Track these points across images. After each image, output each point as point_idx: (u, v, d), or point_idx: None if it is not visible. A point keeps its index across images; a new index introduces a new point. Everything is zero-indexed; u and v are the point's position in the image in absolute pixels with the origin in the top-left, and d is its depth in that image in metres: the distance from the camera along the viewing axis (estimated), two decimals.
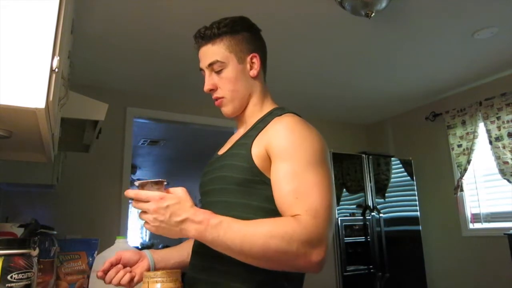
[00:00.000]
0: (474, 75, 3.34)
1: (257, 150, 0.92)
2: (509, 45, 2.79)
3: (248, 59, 1.03)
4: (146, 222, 0.81)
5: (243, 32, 1.03)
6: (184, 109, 3.65)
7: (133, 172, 6.96)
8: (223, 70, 1.00)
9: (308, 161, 0.86)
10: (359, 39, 2.64)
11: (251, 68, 1.03)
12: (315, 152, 0.87)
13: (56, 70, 0.87)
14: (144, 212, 0.81)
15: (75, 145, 2.20)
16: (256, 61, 1.03)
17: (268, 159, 0.90)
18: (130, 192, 0.82)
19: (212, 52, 1.01)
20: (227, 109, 1.04)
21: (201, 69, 1.06)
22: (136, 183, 0.84)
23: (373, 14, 2.07)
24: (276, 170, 0.88)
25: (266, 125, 0.95)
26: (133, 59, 2.85)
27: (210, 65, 1.01)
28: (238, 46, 1.01)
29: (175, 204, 0.80)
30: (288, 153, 0.87)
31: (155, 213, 0.79)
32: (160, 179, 0.84)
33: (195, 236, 0.80)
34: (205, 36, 1.02)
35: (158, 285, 0.84)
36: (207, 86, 1.03)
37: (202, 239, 0.81)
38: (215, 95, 1.03)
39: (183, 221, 0.79)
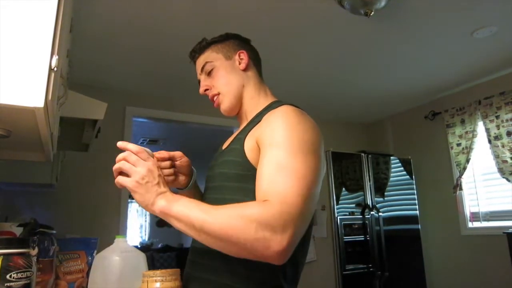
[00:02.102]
0: (473, 74, 3.34)
1: (249, 144, 0.92)
2: (508, 44, 2.79)
3: (236, 56, 1.09)
4: (128, 176, 0.82)
5: (231, 39, 1.12)
6: (183, 108, 3.64)
7: None
8: (213, 70, 1.08)
9: (293, 149, 0.82)
10: (358, 38, 2.64)
11: (240, 62, 1.08)
12: (304, 141, 0.84)
13: (55, 69, 0.87)
14: (122, 163, 0.84)
15: (74, 144, 2.20)
16: (244, 56, 1.09)
17: (259, 151, 0.89)
18: (131, 145, 0.85)
19: (202, 59, 1.10)
20: (224, 106, 1.07)
21: (199, 82, 1.12)
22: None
23: (372, 13, 2.07)
24: (261, 157, 0.86)
25: (262, 119, 0.95)
26: (133, 58, 2.85)
27: (202, 69, 1.09)
28: (225, 48, 1.10)
29: (163, 178, 0.85)
30: (275, 140, 0.85)
31: (148, 172, 0.82)
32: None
33: (163, 206, 0.80)
34: (196, 50, 1.12)
35: (158, 284, 0.84)
36: (201, 88, 1.10)
37: (167, 212, 0.79)
38: (211, 93, 1.08)
39: (161, 193, 0.81)
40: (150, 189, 0.81)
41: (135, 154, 0.84)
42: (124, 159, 0.84)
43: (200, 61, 1.11)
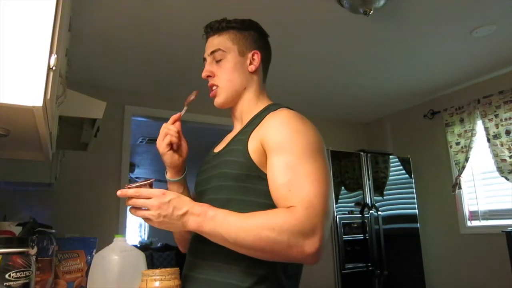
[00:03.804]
0: (472, 73, 3.34)
1: (253, 145, 0.93)
2: (507, 43, 2.80)
3: (250, 54, 1.05)
4: (148, 219, 0.84)
5: (251, 31, 1.07)
6: (182, 107, 3.64)
7: (132, 171, 6.95)
8: (223, 60, 1.04)
9: (302, 153, 0.86)
10: (358, 37, 2.64)
11: (251, 63, 1.05)
12: (309, 144, 0.88)
13: (54, 68, 0.86)
14: (138, 209, 0.84)
15: (73, 144, 2.20)
16: (257, 58, 1.06)
17: (264, 154, 0.91)
18: (129, 191, 0.84)
19: (217, 41, 1.06)
20: (219, 99, 1.06)
21: (204, 59, 1.08)
22: (127, 186, 0.86)
23: (372, 11, 2.07)
24: (271, 164, 0.88)
25: (261, 120, 0.96)
26: (132, 57, 2.84)
27: (212, 53, 1.05)
28: (242, 41, 1.05)
29: (176, 198, 0.83)
30: (282, 146, 0.87)
31: (159, 208, 0.81)
32: (149, 178, 0.89)
33: (194, 228, 0.82)
34: (214, 28, 1.07)
35: (157, 283, 0.84)
36: (204, 73, 1.07)
37: (200, 230, 0.82)
38: (211, 81, 1.06)
39: (184, 214, 0.82)
40: (172, 218, 0.82)
41: (138, 198, 0.83)
42: (135, 207, 0.84)
43: (214, 43, 1.06)
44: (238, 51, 1.04)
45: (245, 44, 1.05)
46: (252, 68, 1.05)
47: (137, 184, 0.86)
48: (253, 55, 1.05)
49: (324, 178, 0.85)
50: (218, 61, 1.04)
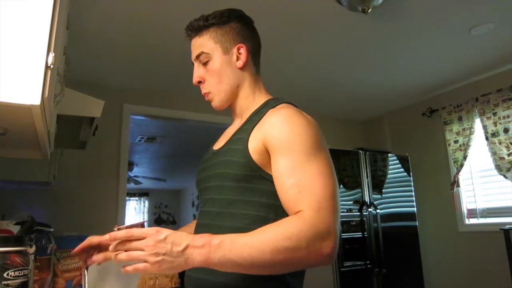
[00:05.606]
0: (470, 71, 3.34)
1: (254, 145, 0.91)
2: (506, 41, 2.80)
3: (235, 50, 1.01)
4: (144, 262, 0.73)
5: (231, 23, 1.03)
6: (181, 106, 3.64)
7: (130, 169, 6.94)
8: (209, 62, 1.01)
9: (307, 152, 0.84)
10: (356, 35, 2.64)
11: (238, 59, 1.01)
12: (313, 142, 0.86)
13: (51, 66, 0.86)
14: (125, 253, 0.74)
15: (71, 142, 2.19)
16: (243, 52, 1.01)
17: (266, 153, 0.89)
18: (119, 233, 0.74)
19: (199, 43, 1.02)
20: (215, 103, 1.04)
21: (192, 62, 1.06)
22: (116, 227, 0.78)
23: (370, 9, 2.06)
24: (276, 166, 0.86)
25: (261, 118, 0.94)
26: (130, 55, 2.83)
27: (197, 57, 1.02)
28: (224, 37, 1.01)
29: (172, 233, 0.75)
30: (285, 146, 0.85)
31: (155, 248, 0.72)
32: (140, 222, 0.81)
33: (201, 262, 0.74)
34: (193, 28, 1.03)
35: (155, 281, 0.84)
36: (194, 79, 1.04)
37: (208, 263, 0.74)
38: (203, 90, 1.04)
39: (185, 249, 0.73)
40: (172, 256, 0.73)
41: (130, 240, 0.74)
42: (127, 250, 0.74)
43: (196, 46, 1.02)
44: (222, 49, 1.00)
45: (228, 39, 1.00)
46: (240, 64, 1.01)
47: (127, 225, 0.77)
48: (238, 49, 1.01)
49: (330, 176, 0.84)
50: (204, 64, 1.01)
